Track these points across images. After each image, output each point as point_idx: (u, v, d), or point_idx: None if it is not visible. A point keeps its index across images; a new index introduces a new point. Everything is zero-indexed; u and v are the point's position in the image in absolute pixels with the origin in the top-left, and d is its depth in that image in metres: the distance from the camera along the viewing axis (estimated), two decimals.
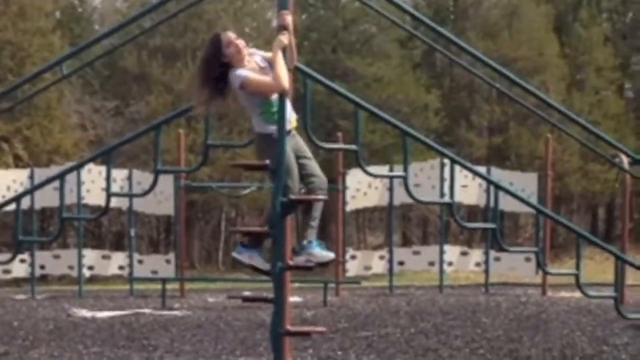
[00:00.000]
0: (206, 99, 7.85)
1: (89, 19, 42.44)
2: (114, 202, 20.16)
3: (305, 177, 7.70)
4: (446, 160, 19.64)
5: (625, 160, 14.44)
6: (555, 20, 41.83)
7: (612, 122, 38.29)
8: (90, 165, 20.84)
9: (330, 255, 7.94)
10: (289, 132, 7.82)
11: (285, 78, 7.62)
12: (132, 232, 21.84)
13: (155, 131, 9.39)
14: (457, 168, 10.34)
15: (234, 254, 7.99)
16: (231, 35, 7.84)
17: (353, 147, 8.74)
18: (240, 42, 7.81)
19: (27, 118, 33.03)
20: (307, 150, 7.86)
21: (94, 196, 20.80)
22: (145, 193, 11.20)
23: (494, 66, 9.89)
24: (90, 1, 44.85)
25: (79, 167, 11.51)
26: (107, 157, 10.01)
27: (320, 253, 7.86)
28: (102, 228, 37.85)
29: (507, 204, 18.03)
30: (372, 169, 11.35)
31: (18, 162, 31.07)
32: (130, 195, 21.00)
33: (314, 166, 7.80)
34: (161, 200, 21.13)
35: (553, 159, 22.44)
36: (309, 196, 7.84)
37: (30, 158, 31.51)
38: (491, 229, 10.41)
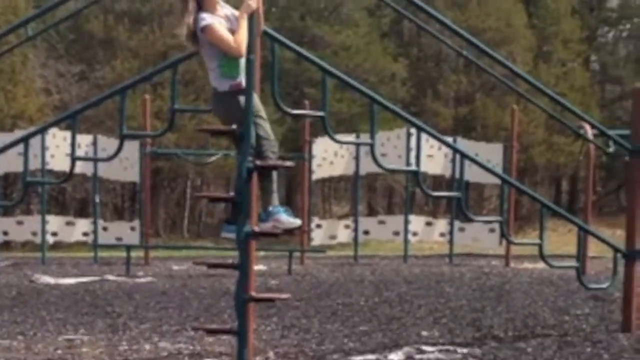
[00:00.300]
0: (187, 35, 7.70)
1: None
2: (79, 168, 20.06)
3: (257, 138, 7.64)
4: (412, 130, 19.69)
5: (590, 132, 14.51)
6: None
7: (578, 94, 38.47)
8: (55, 130, 20.72)
9: (297, 221, 7.90)
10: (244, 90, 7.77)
11: (244, 44, 7.55)
12: (97, 199, 21.75)
13: (120, 95, 9.35)
14: (424, 138, 10.37)
15: (223, 234, 7.94)
16: None
17: (320, 113, 8.71)
18: None
19: None
20: (262, 110, 7.78)
21: (59, 162, 20.67)
22: (110, 158, 11.14)
23: (463, 35, 9.88)
24: None
25: (43, 130, 11.41)
26: (72, 122, 9.95)
27: (287, 219, 7.81)
28: (66, 194, 37.61)
29: (472, 174, 18.13)
30: (339, 137, 11.31)
31: None
32: (95, 160, 20.93)
33: (267, 128, 7.74)
34: (126, 166, 21.04)
35: (519, 131, 22.54)
36: (276, 162, 7.81)
37: None
38: (456, 198, 10.46)
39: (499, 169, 19.18)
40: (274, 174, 7.83)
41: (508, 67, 10.51)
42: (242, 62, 7.65)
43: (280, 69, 8.67)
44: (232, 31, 7.61)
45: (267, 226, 7.78)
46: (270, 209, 7.78)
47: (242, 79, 7.66)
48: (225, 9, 7.82)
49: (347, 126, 31.90)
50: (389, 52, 39.09)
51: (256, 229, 7.54)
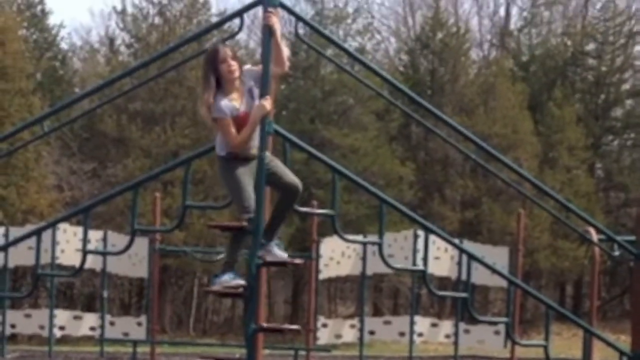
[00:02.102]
0: (205, 112, 8.15)
1: (69, 82, 42.71)
2: (88, 263, 20.25)
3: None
4: (419, 232, 19.97)
5: (595, 236, 14.72)
6: (529, 98, 42.48)
7: (583, 200, 38.76)
8: (66, 226, 21.02)
9: (284, 255, 8.19)
10: (250, 158, 8.09)
11: (246, 142, 8.01)
12: (105, 294, 21.93)
13: (133, 191, 9.54)
14: (431, 239, 10.60)
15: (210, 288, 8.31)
16: (228, 52, 8.10)
17: (329, 212, 8.96)
18: (234, 64, 8.06)
19: (4, 177, 33.10)
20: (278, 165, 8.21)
21: (68, 256, 20.93)
22: (120, 252, 11.28)
23: (471, 138, 10.07)
24: (71, 64, 45.22)
25: (54, 224, 11.71)
26: (83, 216, 10.12)
27: (278, 252, 8.13)
28: (74, 289, 37.73)
29: (478, 277, 18.33)
30: (347, 237, 11.56)
31: None
32: (105, 254, 21.15)
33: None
34: (135, 262, 21.28)
35: (524, 235, 22.76)
36: (285, 259, 8.10)
37: (6, 217, 31.51)
38: (462, 299, 10.62)
39: (504, 272, 19.36)
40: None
41: (516, 170, 10.70)
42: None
43: (290, 169, 8.94)
44: (248, 108, 8.01)
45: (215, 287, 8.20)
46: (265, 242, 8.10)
47: (241, 152, 8.06)
48: (249, 80, 8.16)
49: (354, 227, 32.14)
50: (397, 156, 39.59)
51: (264, 325, 7.78)
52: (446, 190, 39.79)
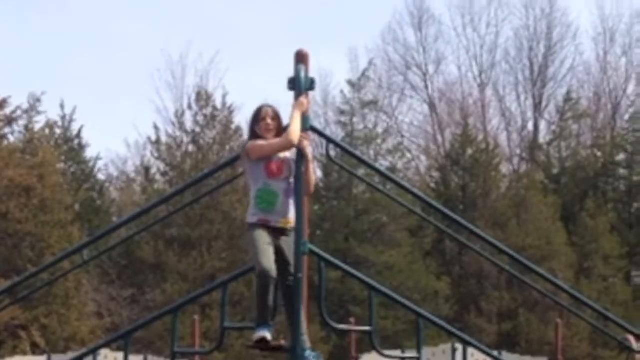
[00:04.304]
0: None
1: (107, 212, 43.41)
2: None
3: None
4: (458, 345, 20.06)
5: (634, 343, 14.82)
6: (562, 209, 42.70)
7: (620, 308, 38.56)
8: (106, 352, 21.28)
9: (259, 334, 8.36)
10: (284, 230, 8.39)
11: (296, 133, 8.27)
12: None
13: (172, 315, 9.68)
14: (469, 353, 10.65)
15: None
16: (269, 112, 8.52)
17: (367, 328, 9.10)
18: (271, 123, 8.46)
19: (45, 306, 33.47)
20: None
21: None
22: None
23: (506, 251, 10.16)
24: (108, 194, 46.01)
25: (95, 350, 11.72)
26: (123, 342, 10.23)
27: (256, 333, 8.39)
28: None
29: None
30: (385, 352, 11.70)
31: (35, 350, 31.35)
32: None
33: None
34: None
35: (563, 344, 22.77)
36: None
37: (47, 345, 31.82)
38: None
39: None
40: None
41: (551, 281, 10.72)
42: (280, 197, 8.34)
43: (326, 288, 9.05)
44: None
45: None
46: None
47: (271, 217, 8.34)
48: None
49: (391, 343, 32.13)
50: (432, 271, 39.74)
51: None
52: (482, 302, 39.79)
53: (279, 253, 8.41)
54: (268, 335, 8.36)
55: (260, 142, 8.42)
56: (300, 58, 8.71)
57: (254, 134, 8.53)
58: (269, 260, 8.32)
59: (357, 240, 39.79)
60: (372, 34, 79.11)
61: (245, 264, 9.17)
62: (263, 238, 8.36)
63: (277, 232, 8.42)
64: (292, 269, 8.43)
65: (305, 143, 8.44)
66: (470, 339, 10.03)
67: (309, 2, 67.50)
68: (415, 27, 51.64)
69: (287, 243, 8.44)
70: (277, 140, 8.38)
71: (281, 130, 8.50)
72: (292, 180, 8.45)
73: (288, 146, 8.37)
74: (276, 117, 8.54)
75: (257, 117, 8.53)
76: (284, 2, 66.88)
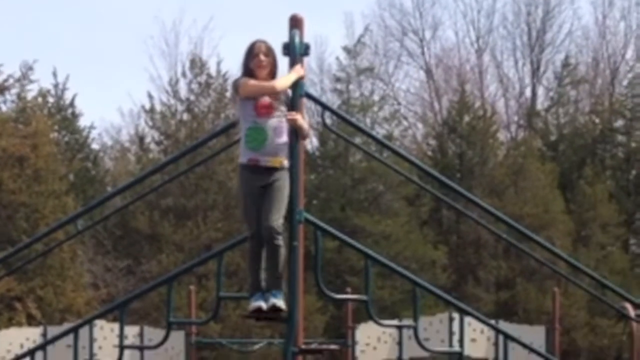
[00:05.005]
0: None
1: (102, 181, 43.20)
2: (126, 358, 20.32)
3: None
4: (455, 314, 19.92)
5: (632, 312, 14.66)
6: (560, 177, 42.53)
7: (618, 277, 38.44)
8: (102, 323, 21.13)
9: (254, 304, 8.43)
10: (273, 168, 8.34)
11: (284, 84, 8.37)
12: None
13: (167, 285, 9.64)
14: (466, 321, 10.61)
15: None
16: (262, 48, 8.52)
17: (363, 297, 9.03)
18: (264, 59, 8.46)
19: (41, 278, 33.39)
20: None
21: (106, 353, 20.99)
22: (157, 345, 11.38)
23: (504, 219, 10.11)
24: (103, 164, 45.79)
25: (91, 320, 11.82)
26: (119, 312, 10.22)
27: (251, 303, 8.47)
28: None
29: (515, 357, 18.14)
30: (382, 322, 11.59)
31: (31, 321, 31.26)
32: (142, 348, 21.22)
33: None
34: (172, 356, 21.29)
35: (560, 313, 22.65)
36: (321, 346, 8.18)
37: (43, 317, 31.73)
38: None
39: (542, 351, 19.23)
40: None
41: (549, 249, 10.70)
42: (269, 135, 8.29)
43: (322, 258, 9.02)
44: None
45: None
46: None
47: (261, 157, 8.28)
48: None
49: (389, 313, 32.03)
50: (429, 240, 39.61)
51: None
52: (480, 272, 39.67)
53: (266, 194, 8.37)
54: (263, 304, 8.31)
55: (251, 82, 8.43)
56: (295, 23, 8.59)
57: (247, 70, 8.50)
58: (256, 221, 8.34)
59: (353, 210, 39.64)
60: None
61: (241, 234, 9.08)
62: (250, 192, 8.37)
63: (267, 172, 8.37)
64: (273, 214, 8.36)
65: (300, 122, 8.44)
66: (468, 308, 10.04)
67: None
68: None
69: (277, 182, 8.38)
70: (265, 84, 8.39)
71: (275, 66, 8.53)
72: (283, 120, 8.42)
73: (273, 92, 8.38)
74: (269, 52, 8.53)
75: (250, 53, 8.52)
76: None
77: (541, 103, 49.96)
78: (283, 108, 8.44)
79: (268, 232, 8.29)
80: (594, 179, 42.12)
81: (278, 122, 8.40)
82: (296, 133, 8.41)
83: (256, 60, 8.44)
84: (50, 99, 42.37)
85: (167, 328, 9.62)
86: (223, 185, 37.34)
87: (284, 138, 8.41)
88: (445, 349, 19.78)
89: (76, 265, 35.71)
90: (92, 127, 44.30)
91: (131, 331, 21.28)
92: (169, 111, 40.70)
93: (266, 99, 8.37)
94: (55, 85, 42.59)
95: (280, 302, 8.35)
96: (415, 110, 51.07)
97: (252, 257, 8.48)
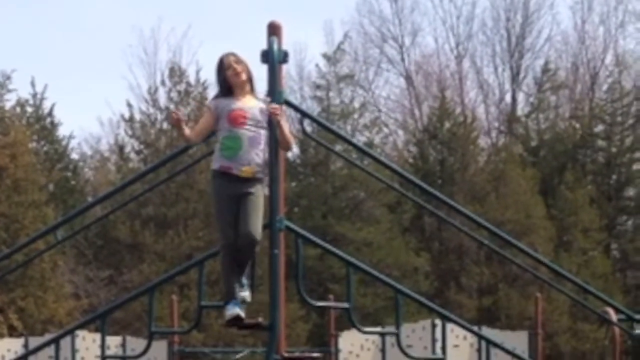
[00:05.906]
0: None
1: (82, 191, 43.03)
2: None
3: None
4: (437, 321, 19.91)
5: (614, 316, 14.65)
6: (540, 183, 42.62)
7: (600, 281, 38.59)
8: (85, 333, 21.05)
9: (230, 312, 8.44)
10: (246, 179, 8.26)
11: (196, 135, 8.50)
12: None
13: (149, 294, 9.61)
14: (449, 328, 10.60)
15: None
16: (231, 58, 8.46)
17: (345, 305, 9.00)
18: (238, 67, 8.40)
19: (22, 289, 33.23)
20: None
21: None
22: (139, 355, 11.29)
23: (486, 226, 10.12)
24: (83, 174, 45.60)
25: (72, 330, 11.76)
26: (101, 322, 10.16)
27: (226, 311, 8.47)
28: None
29: None
30: (364, 329, 11.56)
31: (12, 332, 31.08)
32: (124, 357, 21.06)
33: None
34: None
35: (543, 319, 22.68)
36: (303, 355, 8.12)
37: (25, 328, 31.57)
38: None
39: (525, 357, 19.24)
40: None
41: (531, 255, 10.71)
42: (244, 144, 8.25)
43: (304, 266, 8.98)
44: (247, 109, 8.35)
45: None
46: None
47: (234, 165, 8.21)
48: (259, 100, 8.54)
49: (371, 320, 32.02)
50: (411, 247, 39.61)
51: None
52: (462, 278, 39.70)
53: (241, 204, 8.32)
54: (240, 312, 8.26)
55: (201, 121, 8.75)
56: (273, 30, 8.55)
57: (223, 84, 8.50)
58: (231, 228, 8.34)
59: (335, 217, 39.60)
60: (347, 5, 78.23)
61: None
62: (222, 199, 8.35)
63: (240, 182, 8.31)
64: (252, 223, 8.32)
65: (278, 118, 8.34)
66: (450, 315, 10.05)
67: None
68: None
69: (252, 195, 8.33)
70: (200, 125, 8.68)
71: (250, 72, 8.50)
72: (261, 131, 8.36)
73: (189, 142, 8.93)
74: (240, 60, 8.51)
75: (222, 67, 8.50)
76: None
77: (521, 109, 50.06)
78: (260, 118, 8.37)
79: (247, 239, 8.24)
80: (574, 184, 42.22)
81: (255, 133, 8.34)
82: (277, 142, 8.32)
83: (230, 70, 8.42)
84: (29, 109, 42.21)
85: (149, 338, 9.58)
86: (204, 194, 37.19)
87: (260, 149, 8.34)
88: (428, 355, 19.82)
89: (57, 276, 35.55)
90: (71, 136, 44.18)
91: (113, 341, 21.19)
92: (149, 120, 40.58)
93: (237, 110, 8.35)
94: (34, 95, 42.44)
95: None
96: (395, 117, 51.15)
97: (226, 265, 8.43)
